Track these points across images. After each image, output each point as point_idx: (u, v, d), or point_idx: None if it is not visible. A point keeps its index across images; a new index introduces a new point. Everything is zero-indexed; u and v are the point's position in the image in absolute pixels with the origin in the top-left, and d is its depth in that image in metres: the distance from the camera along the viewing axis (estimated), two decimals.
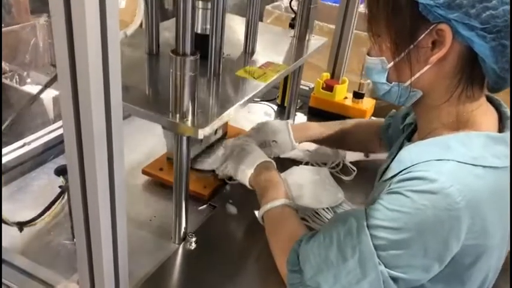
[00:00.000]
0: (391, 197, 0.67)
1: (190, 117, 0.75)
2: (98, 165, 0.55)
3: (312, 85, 1.46)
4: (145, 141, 1.21)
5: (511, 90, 0.73)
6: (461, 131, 0.71)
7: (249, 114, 1.43)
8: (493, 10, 0.61)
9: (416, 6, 0.65)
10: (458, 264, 0.69)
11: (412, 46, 0.68)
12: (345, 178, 1.14)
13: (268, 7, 2.68)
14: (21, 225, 0.86)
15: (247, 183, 0.96)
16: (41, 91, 0.78)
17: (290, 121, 1.24)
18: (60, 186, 1.00)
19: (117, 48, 0.50)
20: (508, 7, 0.61)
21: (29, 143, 1.09)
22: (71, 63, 0.49)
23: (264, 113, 1.44)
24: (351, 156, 1.20)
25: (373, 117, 1.40)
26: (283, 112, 1.39)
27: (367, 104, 1.37)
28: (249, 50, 1.07)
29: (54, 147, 1.15)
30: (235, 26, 1.22)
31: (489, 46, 0.64)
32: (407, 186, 0.65)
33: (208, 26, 0.94)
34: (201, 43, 0.79)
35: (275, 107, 1.47)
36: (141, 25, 0.90)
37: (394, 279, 0.67)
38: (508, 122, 0.73)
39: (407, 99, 0.75)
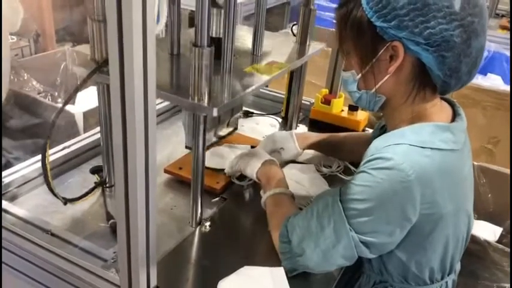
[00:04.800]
0: (358, 175, 0.85)
1: (206, 99, 0.92)
2: (138, 156, 0.71)
3: (312, 100, 1.64)
4: (165, 148, 1.40)
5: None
6: (416, 124, 0.88)
7: (257, 125, 1.61)
8: (431, 29, 0.80)
9: (375, 28, 0.84)
10: (419, 233, 0.86)
11: (374, 60, 0.87)
12: (346, 178, 1.30)
13: (278, 33, 2.89)
14: (66, 200, 1.06)
15: (254, 176, 1.13)
16: (90, 75, 0.97)
17: (294, 131, 1.42)
18: (95, 182, 1.19)
19: (153, 52, 0.67)
20: (444, 26, 0.79)
21: (68, 147, 1.28)
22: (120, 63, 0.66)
23: (269, 124, 1.62)
24: None
25: (367, 129, 1.57)
26: (286, 124, 1.57)
27: (361, 115, 1.54)
28: (256, 52, 1.22)
29: (87, 152, 1.34)
30: (245, 35, 1.36)
31: (432, 57, 0.82)
32: (369, 165, 0.83)
33: (221, 31, 1.09)
34: (216, 45, 0.91)
35: (279, 120, 1.65)
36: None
37: (365, 244, 0.84)
38: (459, 117, 0.92)
39: (375, 104, 0.93)
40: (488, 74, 2.70)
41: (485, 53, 2.69)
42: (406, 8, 0.80)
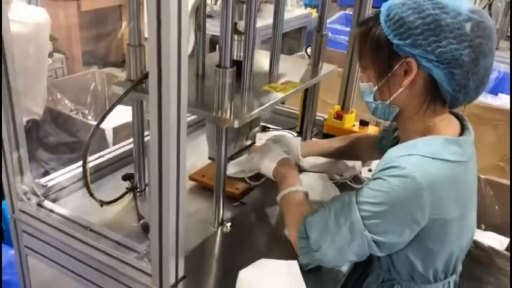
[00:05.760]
0: (374, 181, 0.93)
1: (228, 113, 1.03)
2: (171, 162, 0.82)
3: (325, 116, 1.74)
4: (190, 157, 1.50)
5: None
6: (427, 136, 0.97)
7: None
8: (443, 48, 0.89)
9: (392, 46, 0.93)
10: (427, 235, 0.94)
11: (390, 74, 0.96)
12: (356, 186, 1.40)
13: (293, 56, 3.03)
14: (102, 203, 1.17)
15: (270, 174, 1.21)
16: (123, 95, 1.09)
17: (299, 140, 1.51)
18: (126, 188, 1.31)
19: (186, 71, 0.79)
20: (454, 46, 0.88)
21: (103, 156, 1.41)
22: (158, 81, 0.78)
23: None
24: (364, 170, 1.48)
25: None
26: (301, 138, 1.68)
27: (371, 130, 1.64)
28: (273, 73, 1.34)
29: (119, 161, 1.47)
30: (263, 59, 1.45)
31: (442, 73, 0.91)
32: (385, 173, 0.91)
33: (242, 54, 1.19)
34: (237, 67, 1.03)
35: (295, 134, 1.75)
36: None
37: (377, 243, 0.92)
38: (467, 131, 1.00)
39: (390, 114, 1.02)
40: (499, 94, 2.77)
41: (496, 74, 2.77)
42: (421, 28, 0.89)
